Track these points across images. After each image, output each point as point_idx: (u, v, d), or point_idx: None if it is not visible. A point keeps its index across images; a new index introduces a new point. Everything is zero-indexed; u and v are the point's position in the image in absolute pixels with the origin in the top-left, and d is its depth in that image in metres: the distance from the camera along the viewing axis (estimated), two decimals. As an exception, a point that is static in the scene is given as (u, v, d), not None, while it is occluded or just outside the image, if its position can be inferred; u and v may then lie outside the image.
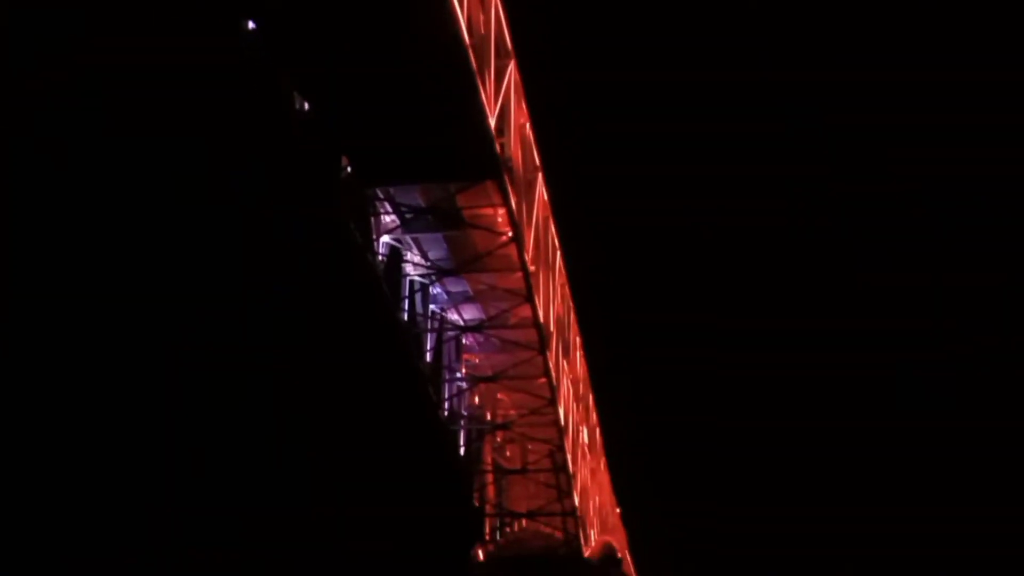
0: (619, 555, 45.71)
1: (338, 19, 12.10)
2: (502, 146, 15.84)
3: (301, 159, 13.99)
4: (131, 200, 10.50)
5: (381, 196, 16.14)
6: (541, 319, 18.87)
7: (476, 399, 24.76)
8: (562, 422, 22.14)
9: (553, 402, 21.23)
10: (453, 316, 21.66)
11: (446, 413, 21.87)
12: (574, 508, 24.11)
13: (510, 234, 16.92)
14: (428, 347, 20.53)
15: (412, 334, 19.17)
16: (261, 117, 12.76)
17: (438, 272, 18.21)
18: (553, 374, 20.69)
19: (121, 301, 10.88)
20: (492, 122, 14.61)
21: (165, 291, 12.45)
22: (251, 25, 11.67)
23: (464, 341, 22.58)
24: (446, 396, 21.65)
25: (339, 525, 18.60)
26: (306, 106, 13.39)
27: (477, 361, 23.74)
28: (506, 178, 15.83)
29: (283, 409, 16.35)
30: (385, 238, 17.01)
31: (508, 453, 28.84)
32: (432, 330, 20.66)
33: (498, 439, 26.21)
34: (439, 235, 17.86)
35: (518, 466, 26.00)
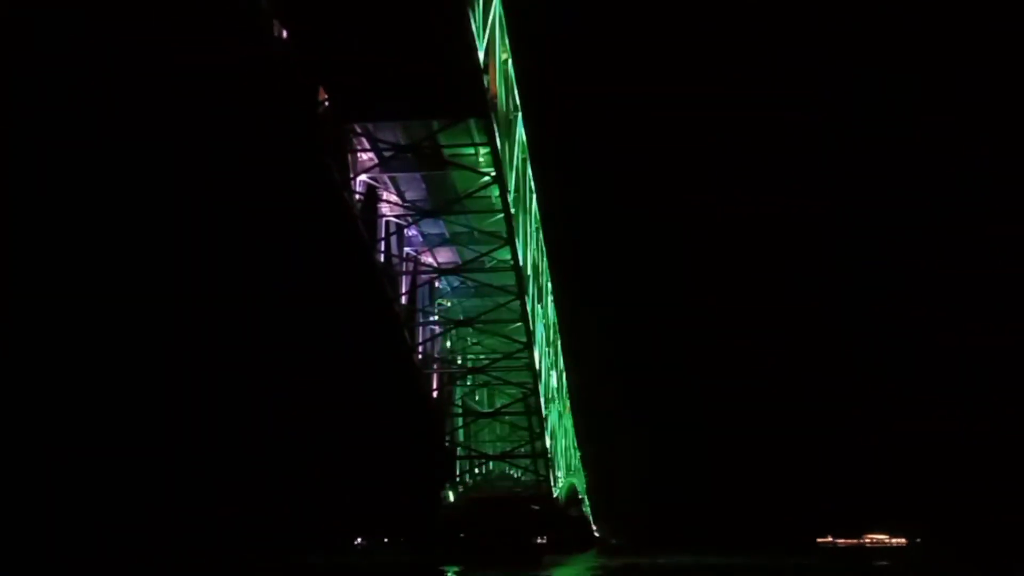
0: (580, 496, 46.36)
1: None
2: (484, 83, 15.30)
3: (278, 90, 13.36)
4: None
5: (359, 131, 15.55)
6: (520, 263, 18.53)
7: (448, 343, 24.49)
8: (536, 366, 21.97)
9: (529, 346, 21.02)
10: (427, 258, 21.24)
11: (420, 357, 21.58)
12: (545, 450, 24.11)
13: (492, 174, 16.47)
14: (403, 290, 20.13)
15: (388, 276, 18.76)
16: (239, 45, 12.10)
17: (416, 213, 17.72)
18: (529, 319, 20.43)
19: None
20: (480, 56, 14.03)
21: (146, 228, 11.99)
22: None
23: (436, 284, 22.21)
24: (420, 340, 21.32)
25: (312, 466, 18.27)
26: (284, 33, 12.71)
27: (450, 305, 23.41)
28: (492, 116, 15.31)
29: (257, 354, 15.89)
30: (363, 177, 16.46)
31: (477, 397, 28.76)
32: (407, 272, 20.24)
33: (468, 383, 26.05)
34: (417, 175, 17.35)
35: (489, 410, 25.92)
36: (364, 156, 16.53)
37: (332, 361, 17.15)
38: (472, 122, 15.81)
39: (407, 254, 20.10)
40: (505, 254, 18.82)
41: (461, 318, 22.12)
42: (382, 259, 18.24)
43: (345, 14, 12.60)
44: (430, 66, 13.60)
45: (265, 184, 14.06)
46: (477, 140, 16.26)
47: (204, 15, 11.00)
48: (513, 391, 23.89)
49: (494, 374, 22.95)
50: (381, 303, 18.28)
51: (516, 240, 17.91)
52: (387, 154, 16.30)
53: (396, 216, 18.54)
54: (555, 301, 28.55)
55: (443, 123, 15.50)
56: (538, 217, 23.00)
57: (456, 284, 22.22)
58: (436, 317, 22.21)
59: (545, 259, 25.36)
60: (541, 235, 24.10)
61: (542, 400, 22.87)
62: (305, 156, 14.16)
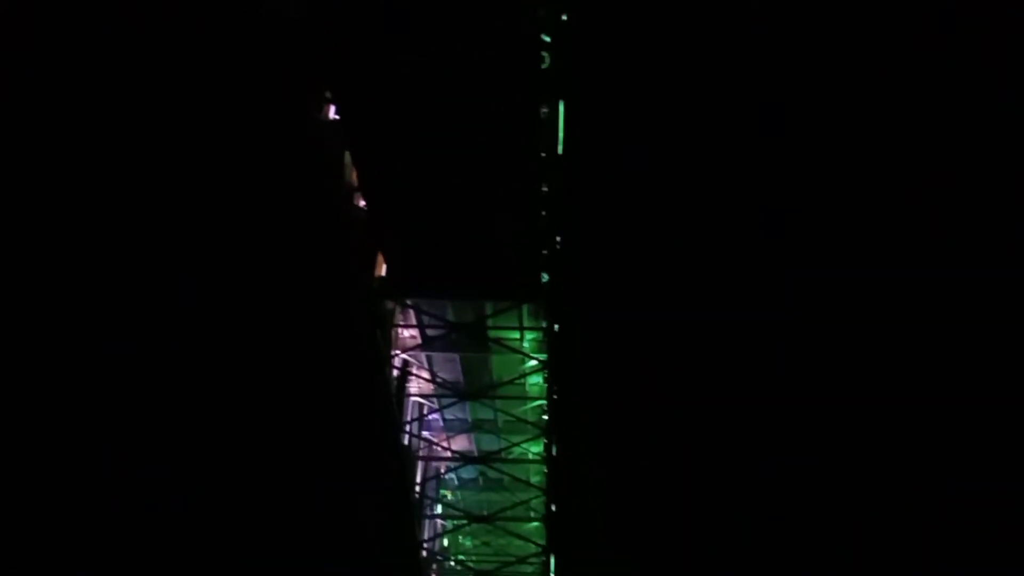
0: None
1: (415, 123, 10.96)
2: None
3: (338, 256, 12.61)
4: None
5: (408, 304, 14.72)
6: (554, 456, 17.32)
7: (446, 541, 22.67)
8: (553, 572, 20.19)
9: (548, 551, 19.36)
10: (442, 444, 19.94)
11: (424, 553, 19.79)
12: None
13: (542, 359, 15.60)
14: (418, 479, 18.70)
15: (409, 461, 17.40)
16: (309, 202, 11.41)
17: (451, 396, 16.61)
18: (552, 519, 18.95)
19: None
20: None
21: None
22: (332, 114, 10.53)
23: (443, 474, 20.76)
24: (427, 537, 19.62)
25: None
26: (362, 203, 12.12)
27: (450, 496, 21.85)
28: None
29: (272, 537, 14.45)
30: (404, 355, 15.49)
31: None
32: (423, 458, 18.86)
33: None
34: (456, 355, 16.40)
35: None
36: (406, 333, 15.64)
37: (339, 538, 15.54)
38: (524, 306, 15.16)
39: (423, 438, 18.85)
40: (537, 446, 17.66)
41: (480, 513, 20.40)
42: (406, 441, 16.96)
43: (419, 189, 12.04)
44: (494, 251, 13.04)
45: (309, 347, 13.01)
46: (527, 324, 15.53)
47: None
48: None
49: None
50: (401, 491, 16.80)
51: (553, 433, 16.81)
52: (431, 333, 15.37)
53: (424, 397, 17.43)
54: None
55: (497, 306, 14.75)
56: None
57: (468, 476, 20.79)
58: (439, 509, 20.66)
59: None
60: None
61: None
62: (355, 328, 13.21)
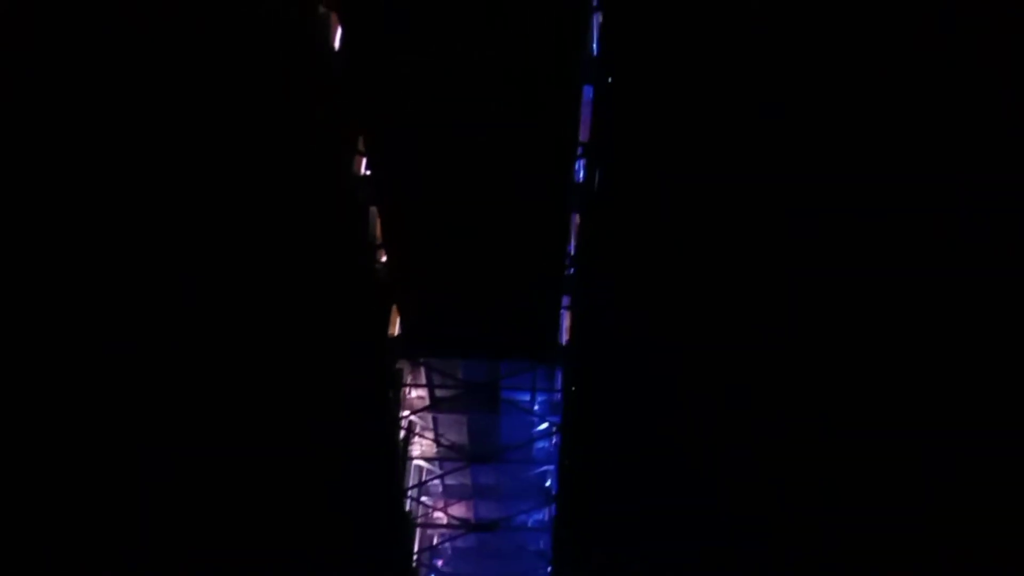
0: None
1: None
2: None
3: (356, 313, 12.15)
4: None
5: (421, 363, 14.23)
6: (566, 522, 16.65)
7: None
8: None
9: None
10: (438, 513, 19.21)
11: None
12: None
13: (552, 424, 15.10)
14: (415, 547, 17.93)
15: (411, 528, 16.69)
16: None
17: (457, 459, 16.01)
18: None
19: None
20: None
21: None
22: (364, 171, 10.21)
23: (436, 543, 19.98)
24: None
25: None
26: (383, 258, 11.70)
27: (441, 566, 21.02)
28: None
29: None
30: (412, 416, 14.93)
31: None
32: (421, 525, 18.12)
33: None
34: (464, 416, 15.86)
35: None
36: (413, 393, 15.09)
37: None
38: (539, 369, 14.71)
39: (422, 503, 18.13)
40: (541, 514, 17.03)
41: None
42: (407, 507, 16.26)
43: (444, 246, 11.68)
44: (520, 307, 12.65)
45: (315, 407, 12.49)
46: (539, 386, 15.06)
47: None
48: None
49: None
50: (400, 560, 16.07)
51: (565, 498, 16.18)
52: (440, 393, 14.85)
53: (427, 459, 16.80)
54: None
55: (513, 367, 14.30)
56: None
57: (467, 544, 20.01)
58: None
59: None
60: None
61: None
62: (366, 388, 12.70)
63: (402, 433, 15.08)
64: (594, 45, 9.35)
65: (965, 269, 9.47)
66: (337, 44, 8.66)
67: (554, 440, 16.12)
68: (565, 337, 14.05)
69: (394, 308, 13.23)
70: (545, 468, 16.71)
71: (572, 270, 12.36)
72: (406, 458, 16.21)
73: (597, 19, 9.22)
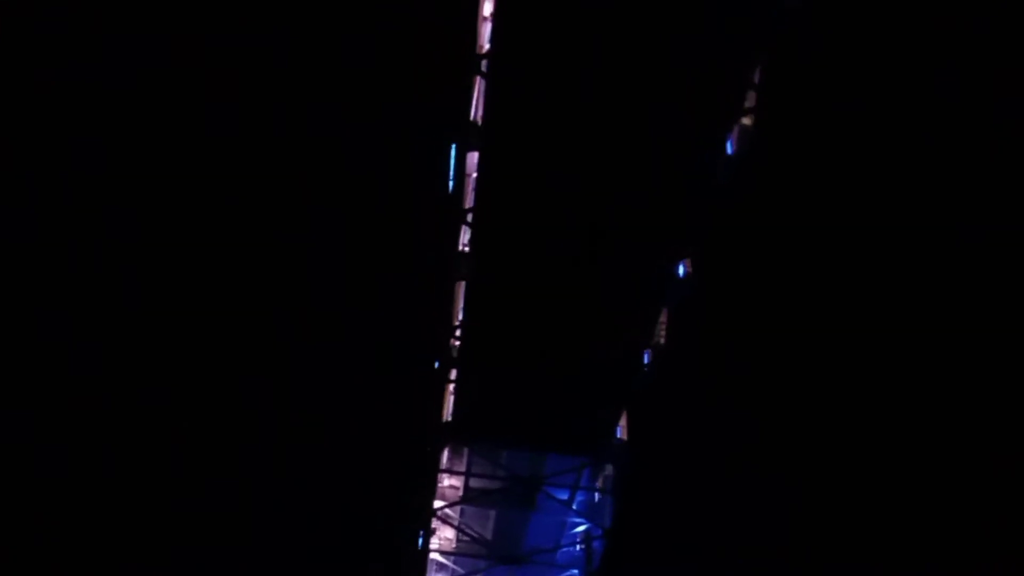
0: None
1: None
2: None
3: (419, 391, 11.39)
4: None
5: (464, 449, 13.39)
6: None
7: None
8: None
9: None
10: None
11: None
12: None
13: (586, 528, 14.22)
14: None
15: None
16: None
17: (488, 560, 14.95)
18: None
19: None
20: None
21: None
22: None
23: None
24: None
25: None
26: (455, 347, 11.05)
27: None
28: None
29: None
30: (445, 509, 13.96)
31: None
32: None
33: None
34: (492, 511, 14.91)
35: None
36: (446, 482, 14.15)
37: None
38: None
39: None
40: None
41: None
42: (422, 606, 15.08)
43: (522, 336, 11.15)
44: (583, 403, 12.04)
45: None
46: (581, 484, 14.21)
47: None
48: None
49: None
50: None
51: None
52: (474, 483, 13.96)
53: (444, 554, 15.68)
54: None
55: (560, 462, 13.52)
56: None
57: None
58: None
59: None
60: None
61: None
62: (407, 473, 11.88)
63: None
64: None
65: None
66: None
67: (579, 547, 15.23)
68: (620, 434, 13.39)
69: (447, 390, 12.51)
70: (569, 573, 15.70)
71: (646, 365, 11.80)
72: (427, 551, 15.16)
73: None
